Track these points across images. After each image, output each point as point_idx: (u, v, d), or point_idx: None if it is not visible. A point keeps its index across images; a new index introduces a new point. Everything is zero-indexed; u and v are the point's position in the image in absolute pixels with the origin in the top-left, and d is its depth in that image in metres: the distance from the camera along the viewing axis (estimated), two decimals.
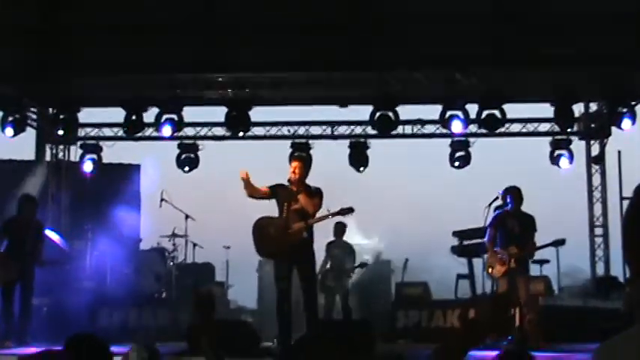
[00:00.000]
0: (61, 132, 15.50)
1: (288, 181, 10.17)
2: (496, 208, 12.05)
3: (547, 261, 14.56)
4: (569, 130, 15.53)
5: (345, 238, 14.08)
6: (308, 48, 12.65)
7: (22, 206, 11.98)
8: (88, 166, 16.17)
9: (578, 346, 10.74)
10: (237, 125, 15.20)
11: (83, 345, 3.94)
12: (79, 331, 4.18)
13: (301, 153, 10.74)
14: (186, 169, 16.16)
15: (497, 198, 11.96)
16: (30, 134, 16.04)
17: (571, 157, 15.96)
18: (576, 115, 15.10)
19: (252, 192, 10.03)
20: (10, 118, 14.68)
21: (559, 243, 11.83)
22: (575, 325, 12.56)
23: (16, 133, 14.69)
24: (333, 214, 10.20)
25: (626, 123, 14.21)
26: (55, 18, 12.48)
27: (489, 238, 11.68)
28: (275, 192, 10.20)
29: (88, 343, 3.99)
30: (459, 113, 14.68)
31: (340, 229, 13.93)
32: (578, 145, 16.50)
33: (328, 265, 13.89)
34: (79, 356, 3.80)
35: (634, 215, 1.82)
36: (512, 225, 11.48)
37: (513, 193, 11.58)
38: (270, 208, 10.30)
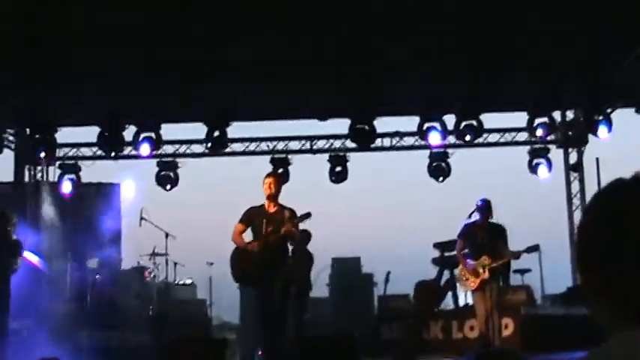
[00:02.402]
0: (42, 154, 15.45)
1: (267, 198, 10.19)
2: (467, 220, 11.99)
3: (529, 270, 14.60)
4: (546, 138, 15.60)
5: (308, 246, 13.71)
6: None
7: None
8: (66, 187, 16.10)
9: (562, 355, 10.75)
10: (216, 144, 15.21)
11: None
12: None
13: (275, 170, 10.79)
14: (167, 187, 16.14)
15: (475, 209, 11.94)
16: (8, 156, 15.99)
17: (549, 166, 16.05)
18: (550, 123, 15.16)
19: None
20: None
21: (533, 249, 11.73)
22: (559, 333, 12.59)
23: None
24: (294, 224, 10.14)
25: (602, 131, 14.31)
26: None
27: (458, 250, 11.63)
28: (248, 220, 10.24)
29: None
30: (437, 125, 14.75)
31: (304, 237, 13.62)
32: (556, 154, 16.60)
33: None
34: None
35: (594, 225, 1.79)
36: (481, 236, 11.37)
37: (481, 205, 11.47)
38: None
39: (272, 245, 9.93)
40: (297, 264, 13.20)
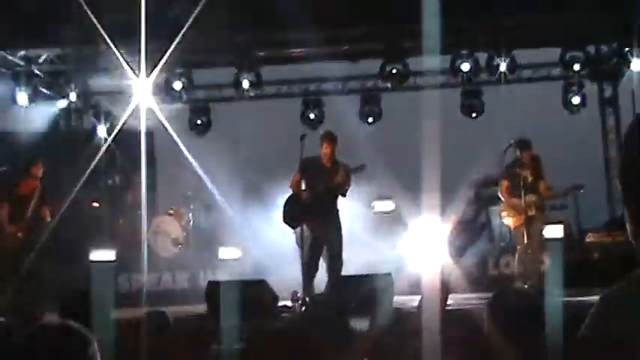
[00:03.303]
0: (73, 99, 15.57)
1: (324, 156, 10.83)
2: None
3: (565, 206, 14.50)
4: (580, 72, 15.36)
5: None
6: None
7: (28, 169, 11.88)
8: (101, 131, 16.21)
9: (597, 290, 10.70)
10: (248, 87, 15.21)
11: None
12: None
13: (332, 132, 11.03)
14: (199, 131, 16.21)
15: (510, 145, 11.88)
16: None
17: (584, 101, 15.85)
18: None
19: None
20: (23, 90, 14.74)
21: (577, 188, 11.82)
22: (595, 270, 12.57)
23: (29, 103, 14.80)
24: (348, 174, 10.62)
25: (637, 63, 14.08)
26: None
27: (503, 189, 11.68)
28: (304, 170, 10.91)
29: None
30: (469, 61, 14.64)
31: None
32: (590, 89, 16.38)
33: None
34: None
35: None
36: (524, 174, 11.52)
37: (522, 147, 11.63)
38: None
39: (321, 195, 10.65)
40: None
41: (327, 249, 10.97)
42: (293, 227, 11.39)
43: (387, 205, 14.65)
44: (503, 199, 11.81)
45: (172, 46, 12.80)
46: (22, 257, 11.40)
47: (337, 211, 11.06)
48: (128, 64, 13.71)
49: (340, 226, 11.05)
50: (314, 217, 10.81)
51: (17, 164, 12.64)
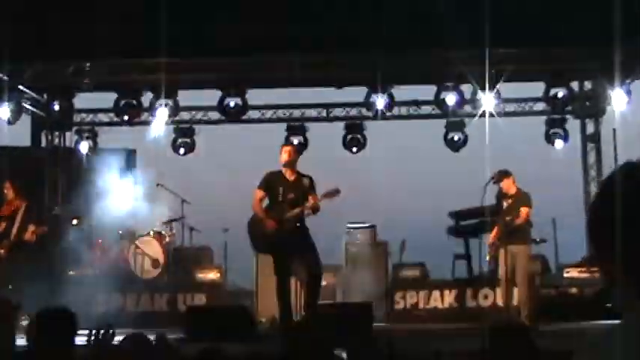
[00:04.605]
0: (56, 118, 15.61)
1: (283, 165, 10.23)
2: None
3: (544, 240, 14.59)
4: (563, 109, 15.52)
5: None
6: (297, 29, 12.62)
7: (5, 190, 11.89)
8: (83, 146, 16.17)
9: (574, 325, 10.78)
10: (233, 111, 15.28)
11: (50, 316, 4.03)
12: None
13: (292, 139, 10.79)
14: (182, 152, 16.23)
15: (492, 178, 11.91)
16: (25, 121, 16.03)
17: (566, 136, 15.99)
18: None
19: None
20: (6, 105, 14.70)
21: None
22: (573, 304, 12.67)
23: (12, 121, 14.74)
24: (320, 199, 10.12)
25: (620, 101, 14.22)
26: None
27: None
28: (267, 186, 10.28)
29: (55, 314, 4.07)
30: (454, 94, 14.75)
31: None
32: (573, 124, 16.53)
33: None
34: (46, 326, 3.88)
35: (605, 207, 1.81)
36: (506, 205, 11.56)
37: (501, 178, 11.58)
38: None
39: (291, 222, 10.03)
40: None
41: (303, 271, 10.26)
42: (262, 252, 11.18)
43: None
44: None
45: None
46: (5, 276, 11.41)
47: (306, 229, 10.33)
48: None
49: (312, 245, 10.31)
50: (283, 241, 10.08)
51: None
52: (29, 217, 11.73)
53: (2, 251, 11.47)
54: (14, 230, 11.54)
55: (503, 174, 11.58)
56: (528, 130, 16.73)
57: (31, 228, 11.66)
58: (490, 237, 11.71)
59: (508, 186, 11.53)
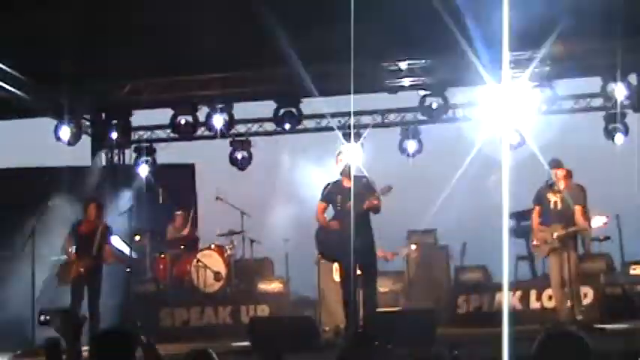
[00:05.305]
0: (114, 136, 15.88)
1: (340, 173, 10.31)
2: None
3: (608, 238, 14.37)
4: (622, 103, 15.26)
5: None
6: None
7: (88, 209, 12.19)
8: (142, 170, 16.38)
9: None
10: (287, 120, 15.41)
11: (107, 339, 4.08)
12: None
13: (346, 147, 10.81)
14: (240, 164, 16.38)
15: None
16: (85, 140, 16.31)
17: (626, 131, 15.73)
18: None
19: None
20: (66, 126, 15.01)
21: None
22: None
23: (72, 141, 15.07)
24: (378, 197, 10.16)
25: None
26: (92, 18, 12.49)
27: (534, 216, 11.32)
28: (328, 197, 10.45)
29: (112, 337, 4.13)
30: None
31: None
32: (633, 118, 16.25)
33: None
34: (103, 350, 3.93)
35: None
36: (554, 201, 11.08)
37: (552, 166, 11.04)
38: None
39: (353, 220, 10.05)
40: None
41: (362, 278, 10.32)
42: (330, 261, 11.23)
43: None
44: (533, 226, 11.38)
45: None
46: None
47: (370, 231, 10.47)
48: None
49: (373, 250, 10.50)
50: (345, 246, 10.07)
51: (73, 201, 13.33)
52: (107, 237, 12.05)
53: (82, 270, 11.73)
54: (94, 249, 11.81)
55: (552, 162, 11.09)
56: (586, 125, 16.50)
57: (108, 248, 11.98)
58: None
59: (557, 174, 11.03)
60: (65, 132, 15.12)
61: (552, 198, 11.09)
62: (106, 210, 12.65)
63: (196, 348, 5.35)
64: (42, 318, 9.02)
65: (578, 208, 10.95)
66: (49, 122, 15.38)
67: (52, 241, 12.75)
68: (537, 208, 11.26)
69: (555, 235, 10.86)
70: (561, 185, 11.12)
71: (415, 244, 14.18)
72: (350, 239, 9.99)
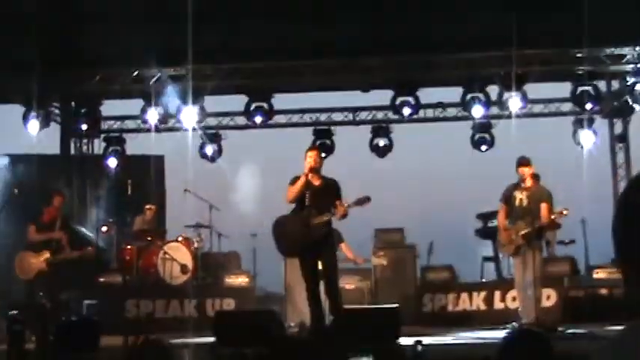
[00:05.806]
0: (84, 126, 15.78)
1: (309, 170, 10.17)
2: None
3: (573, 241, 14.52)
4: (591, 108, 15.40)
5: None
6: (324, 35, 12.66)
7: (53, 199, 12.17)
8: (111, 160, 16.30)
9: (601, 328, 10.66)
10: (258, 114, 15.39)
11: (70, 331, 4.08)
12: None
13: (317, 144, 10.71)
14: (209, 158, 16.35)
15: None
16: (54, 129, 16.19)
17: (594, 136, 15.88)
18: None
19: (295, 195, 10.10)
20: (34, 114, 14.86)
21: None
22: (602, 306, 12.54)
23: (40, 129, 14.91)
24: (350, 206, 10.06)
25: None
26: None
27: (500, 214, 11.26)
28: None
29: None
30: (480, 96, 14.68)
31: None
32: (601, 124, 16.44)
33: None
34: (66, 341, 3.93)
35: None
36: (519, 199, 11.00)
37: (520, 164, 10.96)
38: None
39: (318, 229, 9.96)
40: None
41: (324, 277, 10.15)
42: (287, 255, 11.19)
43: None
44: (499, 225, 11.32)
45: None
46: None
47: (332, 236, 10.35)
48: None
49: (334, 251, 10.44)
50: (310, 246, 10.01)
51: (39, 192, 13.18)
52: (66, 227, 12.02)
53: (43, 260, 11.74)
54: (56, 239, 11.85)
55: (520, 160, 11.00)
56: (555, 130, 16.64)
57: (67, 237, 11.95)
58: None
59: (523, 172, 10.92)
60: (33, 120, 14.98)
61: (518, 196, 11.03)
62: (72, 200, 12.61)
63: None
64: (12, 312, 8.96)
65: (544, 206, 10.89)
66: (17, 109, 15.24)
67: (15, 230, 12.70)
68: (504, 207, 11.23)
69: (521, 232, 10.87)
70: (528, 183, 11.06)
71: (383, 244, 14.20)
72: (311, 238, 9.96)
